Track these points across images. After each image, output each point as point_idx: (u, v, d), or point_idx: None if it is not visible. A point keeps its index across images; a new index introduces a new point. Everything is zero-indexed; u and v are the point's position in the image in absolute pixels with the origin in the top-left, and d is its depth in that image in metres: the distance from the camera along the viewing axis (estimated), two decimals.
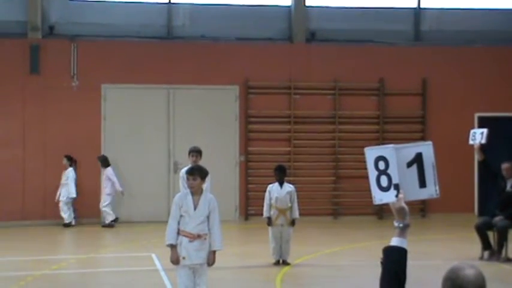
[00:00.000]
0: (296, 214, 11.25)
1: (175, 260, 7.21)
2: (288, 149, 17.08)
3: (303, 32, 17.31)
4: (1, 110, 16.09)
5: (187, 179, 7.38)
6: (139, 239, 14.12)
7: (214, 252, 7.29)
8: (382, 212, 17.20)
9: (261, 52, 17.09)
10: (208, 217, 7.28)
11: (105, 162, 15.97)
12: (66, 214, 15.71)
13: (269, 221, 11.20)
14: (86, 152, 16.30)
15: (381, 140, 17.26)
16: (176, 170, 16.54)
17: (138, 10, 16.95)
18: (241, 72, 16.96)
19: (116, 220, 15.90)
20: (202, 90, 16.92)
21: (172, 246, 7.22)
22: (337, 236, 14.69)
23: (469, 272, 3.27)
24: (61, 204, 15.71)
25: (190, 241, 7.20)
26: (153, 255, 11.70)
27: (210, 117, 16.89)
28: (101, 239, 14.75)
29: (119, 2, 16.94)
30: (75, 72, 16.42)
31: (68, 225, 15.61)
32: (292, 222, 11.21)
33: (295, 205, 11.26)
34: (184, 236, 7.21)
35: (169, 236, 7.24)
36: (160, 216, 15.99)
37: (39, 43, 16.26)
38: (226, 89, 17.07)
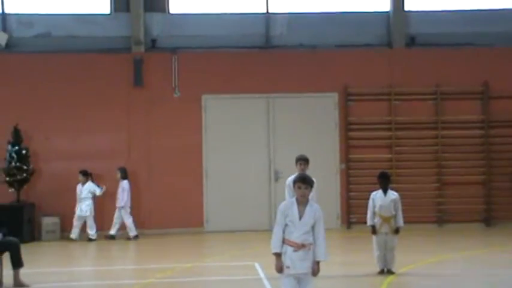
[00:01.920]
0: (400, 222, 11.02)
1: (280, 269, 7.19)
2: (390, 155, 16.82)
3: (402, 37, 17.05)
4: (107, 122, 16.55)
5: (299, 187, 7.26)
6: (242, 247, 14.20)
7: (318, 262, 7.21)
8: (490, 218, 16.73)
9: (360, 58, 16.93)
10: (313, 227, 7.22)
11: (124, 174, 16.01)
12: (92, 231, 15.72)
13: (373, 229, 11.03)
14: (188, 161, 16.57)
15: (487, 145, 16.80)
16: (277, 179, 16.60)
17: (236, 21, 17.11)
18: (341, 79, 16.85)
19: (136, 237, 15.79)
20: (301, 99, 16.90)
21: (277, 255, 7.19)
22: (443, 244, 14.34)
23: None
24: (86, 220, 15.72)
25: (294, 250, 7.17)
26: (256, 264, 11.72)
27: (309, 125, 16.85)
28: (205, 247, 14.91)
29: (217, 13, 17.15)
30: (176, 83, 16.72)
31: (90, 240, 15.58)
32: (397, 230, 11.00)
33: (400, 213, 11.03)
34: (289, 245, 7.19)
35: (275, 245, 7.22)
36: (262, 225, 16.10)
37: (142, 57, 16.66)
38: (325, 97, 16.99)
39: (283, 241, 7.20)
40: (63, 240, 15.65)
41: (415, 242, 14.17)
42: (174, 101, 16.71)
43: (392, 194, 11.12)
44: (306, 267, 7.17)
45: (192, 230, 16.40)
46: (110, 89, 16.61)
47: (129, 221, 15.79)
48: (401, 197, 11.30)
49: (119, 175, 15.93)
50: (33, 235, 15.68)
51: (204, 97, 16.84)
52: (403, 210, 11.23)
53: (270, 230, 16.27)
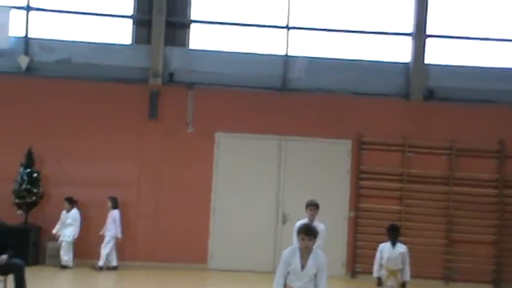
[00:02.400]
0: (407, 276, 10.91)
1: None
2: (399, 207, 16.69)
3: (420, 89, 17.05)
4: (119, 151, 16.55)
5: (303, 239, 7.41)
6: (244, 287, 14.07)
7: None
8: (500, 280, 16.48)
9: (377, 107, 16.92)
10: (315, 274, 7.35)
11: (114, 204, 15.90)
12: (67, 256, 15.45)
13: (379, 282, 10.92)
14: (196, 196, 16.53)
15: (501, 205, 16.64)
16: (285, 221, 16.50)
17: (255, 61, 17.17)
18: (355, 127, 16.83)
19: (114, 267, 15.64)
20: (314, 143, 16.87)
21: None
22: None
23: None
24: (64, 245, 15.47)
25: None
26: None
27: (321, 170, 16.79)
28: (207, 285, 14.78)
29: (237, 52, 17.22)
30: (190, 119, 16.73)
31: (64, 267, 15.32)
32: (403, 285, 10.88)
33: (407, 267, 10.93)
34: None
35: None
36: (266, 267, 15.96)
37: (158, 89, 16.72)
38: (339, 143, 16.95)
39: (286, 286, 7.37)
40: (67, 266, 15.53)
41: None
42: (187, 135, 16.71)
43: (401, 247, 11.02)
44: None
45: (195, 266, 16.27)
46: (124, 119, 16.64)
47: (105, 252, 15.58)
48: (409, 250, 11.19)
49: (109, 204, 15.85)
50: (38, 259, 15.60)
51: (217, 134, 16.84)
52: (410, 264, 11.12)
53: (273, 272, 16.14)
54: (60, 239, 15.54)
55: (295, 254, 7.39)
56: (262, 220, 16.69)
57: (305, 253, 7.40)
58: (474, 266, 16.40)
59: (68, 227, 15.61)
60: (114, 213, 15.77)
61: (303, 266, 7.38)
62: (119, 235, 15.76)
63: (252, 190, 16.70)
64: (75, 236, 15.63)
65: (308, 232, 7.41)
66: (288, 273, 7.41)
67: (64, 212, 15.72)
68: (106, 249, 15.58)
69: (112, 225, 15.69)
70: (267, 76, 17.12)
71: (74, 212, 15.76)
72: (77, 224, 15.67)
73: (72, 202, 15.80)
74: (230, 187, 16.72)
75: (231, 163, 16.80)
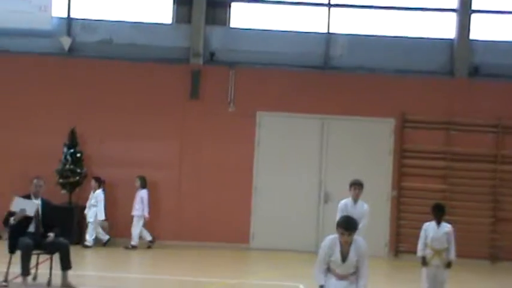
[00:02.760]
0: (452, 256, 10.73)
1: None
2: (443, 186, 16.48)
3: (465, 66, 16.74)
4: (161, 131, 16.59)
5: (342, 234, 7.54)
6: (287, 267, 14.05)
7: None
8: None
9: (420, 85, 16.67)
10: (357, 262, 7.58)
11: (143, 183, 15.85)
12: (92, 236, 15.49)
13: (423, 261, 10.76)
14: (238, 175, 16.52)
15: None
16: (326, 201, 16.42)
17: (296, 39, 17.02)
18: (398, 106, 16.61)
19: (152, 241, 15.73)
20: (356, 122, 16.71)
21: (322, 286, 7.61)
22: (495, 283, 13.93)
23: None
24: (89, 225, 15.52)
25: (337, 279, 7.59)
26: (301, 286, 11.55)
27: (363, 150, 16.64)
28: (249, 264, 14.80)
29: (278, 30, 17.09)
30: (232, 98, 16.68)
31: (86, 247, 15.33)
32: (448, 264, 10.72)
33: (452, 246, 10.74)
34: (333, 274, 7.62)
35: (318, 278, 7.65)
36: (308, 246, 15.90)
37: (200, 69, 16.69)
38: (381, 122, 16.76)
39: (328, 270, 7.62)
40: (111, 245, 15.67)
41: (466, 277, 13.81)
42: (228, 115, 16.67)
43: (446, 227, 10.84)
44: None
45: (237, 245, 16.30)
46: (166, 99, 16.66)
47: (136, 231, 15.63)
48: (454, 229, 11.03)
49: (138, 183, 15.87)
50: (81, 238, 15.76)
51: (259, 113, 16.77)
52: (455, 244, 10.95)
53: (315, 252, 16.09)
54: (87, 219, 15.63)
55: (336, 246, 7.53)
56: (304, 199, 16.62)
57: (345, 245, 7.55)
58: None
59: (91, 207, 15.67)
60: (142, 193, 15.79)
61: (344, 258, 7.53)
62: (146, 214, 15.75)
63: (294, 169, 16.62)
64: (101, 218, 15.65)
65: (348, 227, 7.51)
66: (330, 258, 7.62)
67: (91, 192, 15.79)
68: (136, 228, 15.62)
69: (140, 205, 15.72)
70: (308, 54, 16.96)
71: (98, 192, 15.77)
72: (101, 204, 15.65)
73: (99, 181, 15.85)
74: (272, 166, 16.66)
75: (272, 142, 16.74)
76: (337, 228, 7.59)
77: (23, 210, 10.43)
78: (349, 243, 7.53)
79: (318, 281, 7.63)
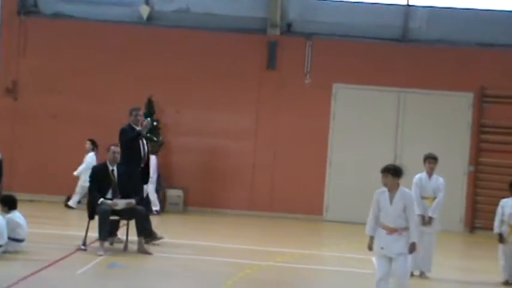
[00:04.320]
0: None
1: (369, 248, 8.16)
2: None
3: None
4: (237, 102, 16.71)
5: (386, 176, 8.23)
6: (360, 240, 13.97)
7: (413, 243, 8.01)
8: None
9: (501, 59, 16.31)
10: (404, 211, 8.04)
11: (93, 146, 15.68)
12: (76, 197, 15.53)
13: (500, 238, 10.63)
14: (313, 147, 16.56)
15: None
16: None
17: (375, 11, 16.83)
18: (477, 79, 16.31)
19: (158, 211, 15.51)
20: (434, 96, 16.49)
21: (370, 237, 8.13)
22: None
23: None
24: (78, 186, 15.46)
25: (387, 234, 8.05)
26: (374, 259, 11.55)
27: (440, 124, 16.43)
28: (323, 236, 14.88)
29: (356, 2, 16.93)
30: (308, 69, 16.65)
31: (67, 206, 15.44)
32: None
33: None
34: (383, 228, 8.07)
35: (369, 228, 8.18)
36: None
37: (276, 40, 16.69)
38: (459, 96, 16.50)
39: (379, 225, 8.09)
40: (186, 213, 15.98)
41: None
42: (304, 86, 16.66)
43: None
44: (399, 248, 7.98)
45: (311, 217, 16.37)
46: (242, 69, 16.75)
47: (154, 197, 15.34)
48: None
49: (88, 146, 15.78)
50: (160, 205, 16.01)
51: (335, 85, 16.72)
52: None
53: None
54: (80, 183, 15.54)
55: (384, 193, 8.13)
56: (379, 172, 16.46)
57: (392, 191, 8.12)
58: None
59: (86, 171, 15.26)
60: (152, 159, 14.38)
61: (391, 201, 8.05)
62: (154, 180, 15.24)
63: (369, 142, 16.55)
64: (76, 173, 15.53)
65: (384, 170, 8.27)
66: (380, 210, 8.09)
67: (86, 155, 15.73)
68: (152, 194, 15.31)
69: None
70: (387, 27, 16.76)
71: (89, 155, 15.63)
72: (86, 165, 15.33)
73: (93, 144, 15.75)
74: (347, 139, 16.63)
75: (348, 115, 16.68)
76: (382, 173, 8.27)
77: (115, 203, 10.65)
78: (396, 189, 8.12)
79: (368, 231, 8.16)
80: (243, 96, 16.75)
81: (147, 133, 15.56)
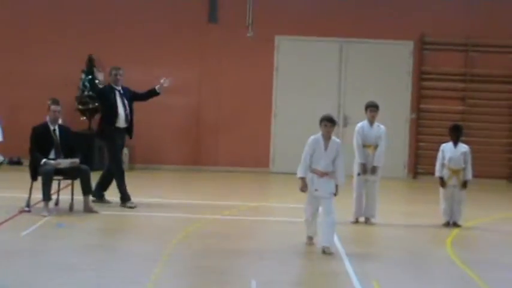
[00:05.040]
0: (469, 176, 10.90)
1: (302, 189, 8.98)
2: (462, 108, 16.50)
3: None
4: (179, 57, 16.57)
5: (326, 125, 8.89)
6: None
7: (337, 185, 8.92)
8: None
9: (439, 6, 16.49)
10: (334, 158, 8.88)
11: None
12: None
13: (441, 181, 10.91)
14: (257, 101, 16.60)
15: None
16: (346, 124, 16.49)
17: None
18: (417, 27, 16.49)
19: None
20: (375, 45, 16.64)
21: (302, 179, 8.92)
22: None
23: None
24: None
25: (319, 177, 8.89)
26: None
27: (382, 72, 16.62)
28: (270, 188, 15.03)
29: None
30: (250, 22, 16.55)
31: None
32: (465, 184, 10.87)
33: (469, 166, 10.90)
34: (315, 173, 8.89)
35: (301, 171, 8.96)
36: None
37: None
38: (400, 44, 16.68)
39: (311, 170, 8.86)
40: (132, 170, 15.92)
41: (483, 197, 13.97)
42: (247, 40, 16.57)
43: (463, 147, 10.96)
44: (329, 189, 8.90)
45: (257, 170, 16.50)
46: (184, 24, 16.59)
47: None
48: (471, 150, 11.13)
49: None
50: (103, 163, 15.94)
51: (277, 38, 16.72)
52: (473, 164, 11.07)
53: None
54: None
55: (320, 140, 8.92)
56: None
57: (327, 138, 8.92)
58: None
59: None
60: None
61: (326, 148, 8.89)
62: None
63: (313, 93, 16.65)
64: None
65: (330, 120, 8.90)
66: (311, 156, 8.91)
67: None
68: None
69: None
70: None
71: None
72: None
73: None
74: (291, 91, 16.70)
75: (291, 67, 16.74)
76: (321, 122, 8.92)
77: (58, 163, 10.54)
78: (330, 137, 8.90)
79: (300, 174, 8.95)
80: (185, 51, 16.63)
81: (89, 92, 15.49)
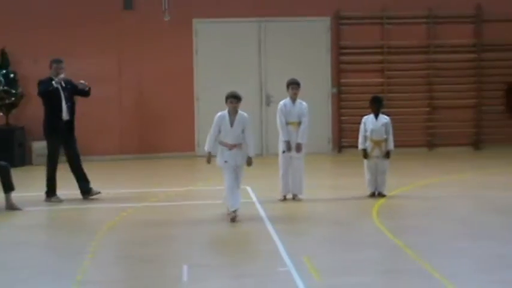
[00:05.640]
0: (391, 146, 11.13)
1: (207, 161, 9.75)
2: (381, 80, 16.80)
3: None
4: (97, 47, 16.31)
5: (232, 102, 9.62)
6: None
7: (249, 157, 9.67)
8: (479, 142, 16.88)
9: None
10: (243, 131, 9.56)
11: None
12: None
13: (364, 153, 11.11)
14: (179, 85, 16.52)
15: (478, 69, 16.79)
16: (268, 103, 16.58)
17: None
18: (333, 3, 16.67)
19: None
20: (293, 23, 16.74)
21: (208, 153, 9.68)
22: (433, 168, 14.47)
23: None
24: None
25: (229, 149, 9.59)
26: (248, 188, 11.82)
27: (301, 50, 16.74)
28: (197, 172, 14.99)
29: None
30: (166, 6, 16.40)
31: None
32: (387, 154, 11.10)
33: (391, 137, 11.12)
34: (224, 146, 9.61)
35: (208, 145, 9.69)
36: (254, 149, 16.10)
37: None
38: (317, 21, 16.83)
39: (220, 143, 9.56)
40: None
41: (406, 165, 14.29)
42: (164, 24, 16.42)
43: (384, 118, 11.17)
44: (239, 160, 9.64)
45: (183, 155, 16.44)
46: (99, 12, 16.32)
47: None
48: (393, 121, 11.38)
49: None
50: (24, 159, 15.68)
51: (195, 21, 16.63)
52: (394, 135, 11.31)
53: (261, 155, 16.40)
54: None
55: (225, 116, 9.55)
56: (246, 104, 16.45)
57: (233, 114, 9.56)
58: (455, 130, 16.74)
59: None
60: None
61: (231, 124, 9.53)
62: None
63: (235, 74, 16.63)
64: None
65: (236, 96, 9.62)
66: (219, 132, 9.57)
67: None
68: None
69: None
70: None
71: None
72: None
73: None
74: (212, 73, 16.65)
75: (211, 49, 16.69)
76: (227, 99, 9.63)
77: None
78: (236, 113, 9.54)
79: (208, 148, 9.68)
80: (102, 40, 16.37)
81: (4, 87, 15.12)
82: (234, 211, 9.45)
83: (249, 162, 9.68)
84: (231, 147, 9.61)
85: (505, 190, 11.61)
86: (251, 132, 9.82)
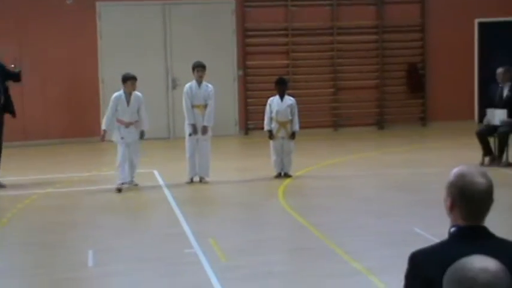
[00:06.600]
0: (297, 127, 11.29)
1: (101, 139, 10.85)
2: (287, 61, 16.96)
3: None
4: None
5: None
6: (141, 155, 14.13)
7: (142, 130, 10.67)
8: (383, 122, 17.30)
9: None
10: (138, 110, 10.52)
11: None
12: None
13: (270, 135, 11.24)
14: (83, 70, 16.24)
15: (381, 50, 17.18)
16: (175, 86, 16.51)
17: None
18: None
19: None
20: (198, 5, 16.68)
21: (104, 131, 10.63)
22: (338, 148, 14.75)
23: (479, 181, 2.91)
24: None
25: (125, 127, 10.47)
26: (155, 172, 11.78)
27: (206, 32, 16.69)
28: (102, 156, 14.80)
29: None
30: None
31: None
32: (293, 135, 11.25)
33: (296, 118, 11.28)
34: (121, 123, 10.48)
35: (105, 124, 10.60)
36: (160, 133, 16.03)
37: None
38: (222, 3, 16.82)
39: (117, 121, 10.43)
40: None
41: (312, 146, 14.51)
42: (67, 7, 16.06)
43: (289, 100, 11.32)
44: (135, 136, 10.57)
45: (89, 140, 16.14)
46: None
47: None
48: (298, 102, 11.53)
49: None
50: None
51: (98, 4, 16.35)
52: (300, 116, 11.47)
53: (168, 138, 16.34)
54: None
55: (121, 96, 10.48)
56: (153, 87, 16.51)
57: (129, 94, 10.50)
58: (359, 110, 17.10)
59: None
60: None
61: (128, 103, 10.47)
62: None
63: (140, 58, 16.42)
64: None
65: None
66: (117, 110, 10.41)
67: None
68: None
69: None
70: None
71: None
72: None
73: None
74: (117, 57, 16.35)
75: (115, 33, 16.42)
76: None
77: None
78: (131, 92, 10.52)
79: (104, 126, 10.55)
80: (3, 26, 15.86)
81: None
82: (122, 184, 10.42)
83: (142, 135, 10.64)
84: (128, 124, 10.47)
85: (407, 167, 11.97)
86: (145, 110, 10.69)
